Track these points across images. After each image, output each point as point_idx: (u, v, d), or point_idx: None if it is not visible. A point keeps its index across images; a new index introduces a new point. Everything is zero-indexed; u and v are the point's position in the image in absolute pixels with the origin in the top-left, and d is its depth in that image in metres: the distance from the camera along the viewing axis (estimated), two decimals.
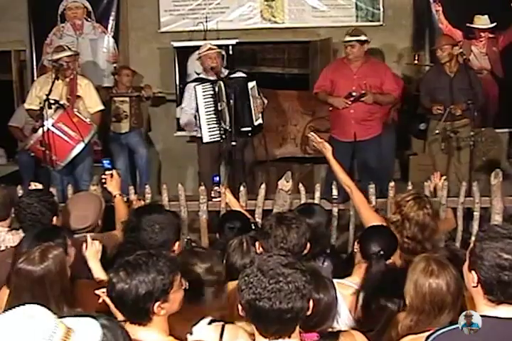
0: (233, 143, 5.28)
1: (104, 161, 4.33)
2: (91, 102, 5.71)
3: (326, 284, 2.32)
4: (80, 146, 5.26)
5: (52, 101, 5.21)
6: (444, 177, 4.67)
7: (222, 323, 2.38)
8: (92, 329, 1.71)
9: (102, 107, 5.79)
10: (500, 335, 1.95)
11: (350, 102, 5.59)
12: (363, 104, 5.64)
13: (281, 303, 1.89)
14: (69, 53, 5.70)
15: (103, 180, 4.15)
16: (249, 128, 5.61)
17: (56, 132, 5.18)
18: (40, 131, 5.13)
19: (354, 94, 5.57)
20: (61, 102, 5.34)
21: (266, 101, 5.83)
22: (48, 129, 5.11)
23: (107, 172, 4.12)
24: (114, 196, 4.04)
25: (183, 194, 4.90)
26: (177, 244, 3.07)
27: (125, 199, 4.22)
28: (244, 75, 5.79)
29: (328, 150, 3.99)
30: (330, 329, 2.32)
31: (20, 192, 4.68)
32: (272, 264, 1.95)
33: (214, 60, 5.66)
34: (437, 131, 5.85)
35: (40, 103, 5.32)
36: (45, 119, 5.09)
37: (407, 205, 3.42)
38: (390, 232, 3.15)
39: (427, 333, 2.07)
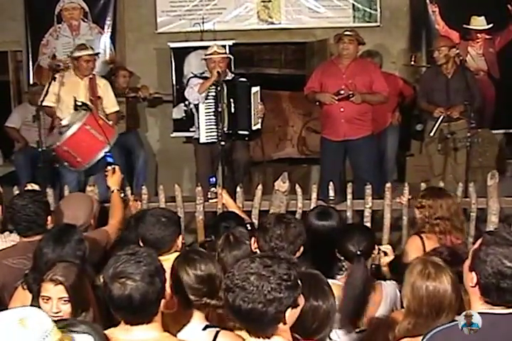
0: (222, 143, 5.27)
1: (107, 156, 4.33)
2: (108, 103, 5.73)
3: (324, 291, 2.28)
4: (106, 149, 5.20)
5: (79, 104, 5.22)
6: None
7: (216, 329, 2.34)
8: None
9: (117, 108, 5.82)
10: (497, 331, 1.95)
11: (337, 98, 5.56)
12: (352, 103, 5.61)
13: (244, 302, 1.88)
14: (90, 52, 5.70)
15: (106, 173, 4.13)
16: (247, 132, 5.53)
17: (84, 135, 5.15)
18: (68, 133, 5.11)
19: (342, 92, 5.58)
20: (86, 103, 5.32)
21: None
22: (75, 132, 5.10)
23: (109, 167, 4.12)
24: (112, 191, 4.03)
25: (180, 195, 4.90)
26: (180, 237, 3.06)
27: (122, 195, 4.21)
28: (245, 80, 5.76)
29: None
30: (328, 340, 2.30)
31: (16, 192, 4.67)
32: (250, 265, 1.94)
33: (218, 64, 5.52)
34: (432, 134, 5.84)
35: (56, 100, 5.40)
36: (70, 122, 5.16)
37: (427, 194, 3.68)
38: (367, 230, 3.24)
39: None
